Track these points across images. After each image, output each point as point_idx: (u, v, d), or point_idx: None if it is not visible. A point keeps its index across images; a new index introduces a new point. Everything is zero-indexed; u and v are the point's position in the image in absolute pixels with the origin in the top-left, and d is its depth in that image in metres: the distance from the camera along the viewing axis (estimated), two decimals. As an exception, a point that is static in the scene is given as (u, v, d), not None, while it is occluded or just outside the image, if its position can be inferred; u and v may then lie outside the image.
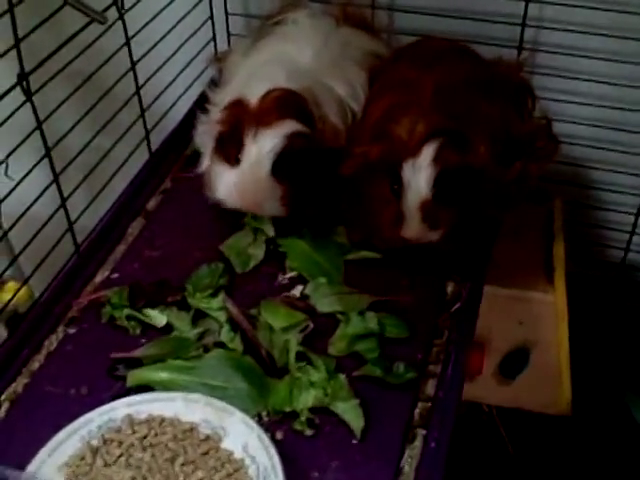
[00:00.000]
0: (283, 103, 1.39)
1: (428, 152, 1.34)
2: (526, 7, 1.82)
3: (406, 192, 1.36)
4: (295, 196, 1.43)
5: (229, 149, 1.42)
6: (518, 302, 1.77)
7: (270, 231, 1.51)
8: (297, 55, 1.54)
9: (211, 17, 2.00)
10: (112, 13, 1.59)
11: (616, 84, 1.89)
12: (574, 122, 1.95)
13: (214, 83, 1.76)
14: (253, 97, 1.40)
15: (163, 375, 1.26)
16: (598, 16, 1.82)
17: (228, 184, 1.42)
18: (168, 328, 1.36)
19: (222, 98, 1.54)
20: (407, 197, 1.36)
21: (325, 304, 1.40)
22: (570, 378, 1.82)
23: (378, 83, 1.57)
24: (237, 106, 1.43)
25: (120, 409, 1.19)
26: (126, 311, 1.37)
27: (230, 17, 2.03)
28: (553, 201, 1.97)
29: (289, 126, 1.38)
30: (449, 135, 1.35)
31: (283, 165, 1.39)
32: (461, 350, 1.36)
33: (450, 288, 1.49)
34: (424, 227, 1.37)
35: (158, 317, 1.37)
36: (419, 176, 1.34)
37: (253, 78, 1.49)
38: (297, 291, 1.45)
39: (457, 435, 1.23)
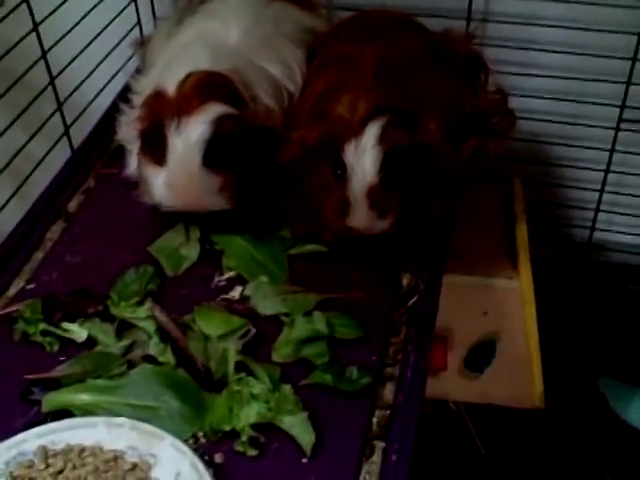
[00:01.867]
0: (204, 86, 1.26)
1: (372, 131, 1.21)
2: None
3: (350, 177, 1.23)
4: (237, 185, 1.29)
5: (154, 148, 1.28)
6: (481, 291, 1.66)
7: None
8: (223, 34, 1.40)
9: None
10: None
11: (574, 53, 1.78)
12: (530, 96, 1.85)
13: (139, 71, 1.60)
14: (171, 85, 1.26)
15: (84, 397, 1.11)
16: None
17: (160, 185, 1.28)
18: (90, 342, 1.21)
19: (144, 86, 1.40)
20: (351, 183, 1.23)
21: (267, 306, 1.27)
22: (541, 368, 1.71)
23: (316, 60, 1.44)
24: (155, 98, 1.28)
25: (31, 440, 1.04)
26: (41, 326, 1.22)
27: (155, -1, 1.87)
28: (512, 181, 1.86)
29: (214, 110, 1.24)
30: (395, 112, 1.22)
31: (215, 153, 1.26)
32: (421, 348, 1.24)
33: (405, 280, 1.36)
34: (372, 215, 1.24)
35: (78, 331, 1.22)
36: (364, 159, 1.21)
37: (172, 63, 1.34)
38: (236, 292, 1.31)
39: (422, 438, 1.13)
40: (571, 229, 2.05)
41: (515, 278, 1.67)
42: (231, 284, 1.32)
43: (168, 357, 1.16)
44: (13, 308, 1.25)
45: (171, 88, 1.26)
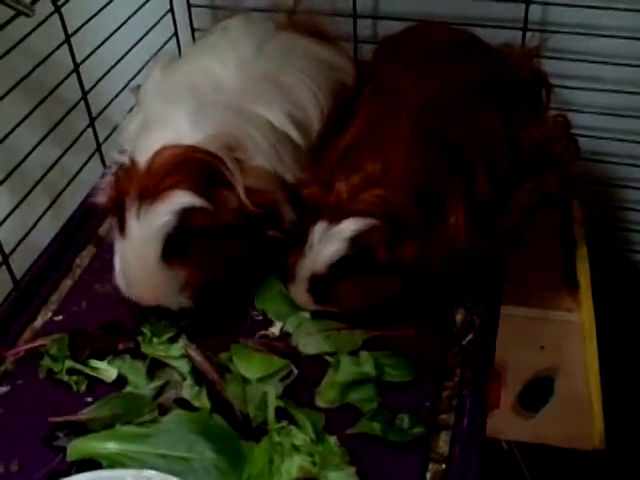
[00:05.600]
0: (176, 166, 1.09)
1: (346, 227, 1.10)
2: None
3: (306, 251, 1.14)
4: (201, 283, 1.14)
5: (119, 220, 1.13)
6: (538, 323, 1.55)
7: None
8: (219, 73, 1.24)
9: (171, 9, 1.75)
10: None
11: (635, 65, 1.65)
12: (587, 111, 1.72)
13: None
14: (143, 156, 1.11)
15: (111, 446, 1.02)
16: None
17: (117, 265, 1.15)
18: (120, 382, 1.13)
19: (129, 135, 1.26)
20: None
21: (310, 344, 1.17)
22: (602, 407, 1.59)
23: (370, 86, 1.32)
24: (124, 171, 1.13)
25: (53, 496, 0.95)
26: (68, 363, 1.14)
27: (193, 9, 1.78)
28: (570, 202, 1.73)
29: (181, 199, 1.08)
30: (391, 220, 1.10)
31: (177, 248, 1.10)
32: (478, 393, 1.14)
33: (459, 316, 1.26)
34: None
35: (107, 369, 1.14)
36: (320, 248, 1.12)
37: (151, 125, 1.18)
38: (276, 329, 1.21)
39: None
40: (632, 254, 1.91)
41: (575, 310, 1.55)
42: (270, 319, 1.23)
43: (203, 401, 1.07)
44: (39, 343, 1.17)
45: (142, 160, 1.10)
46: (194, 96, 1.20)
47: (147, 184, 1.08)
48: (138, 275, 1.12)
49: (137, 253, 1.10)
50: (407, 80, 1.23)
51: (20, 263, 1.38)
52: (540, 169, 1.23)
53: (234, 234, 1.14)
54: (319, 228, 1.11)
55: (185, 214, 1.08)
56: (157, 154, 1.10)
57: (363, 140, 1.18)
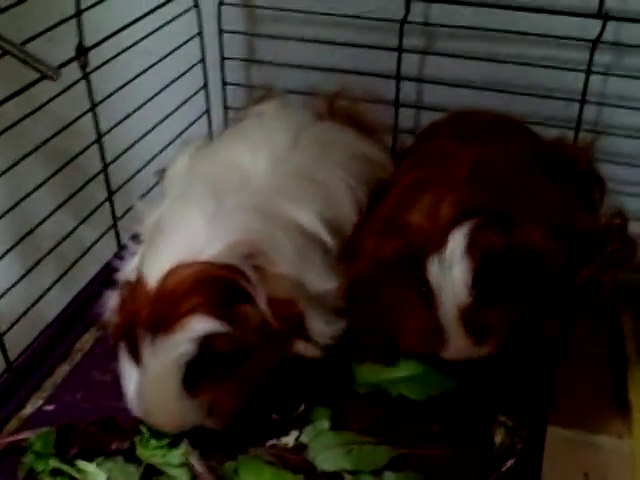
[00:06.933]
0: (191, 288, 0.98)
1: (458, 239, 1.00)
2: (587, 80, 1.48)
3: (438, 298, 1.01)
4: (233, 404, 1.03)
5: (130, 342, 1.03)
6: (583, 448, 1.37)
7: None
8: (249, 166, 1.15)
9: (205, 85, 1.68)
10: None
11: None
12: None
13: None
14: (153, 274, 1.00)
15: None
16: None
17: (133, 393, 1.04)
18: None
19: (146, 230, 1.18)
20: (440, 304, 1.01)
21: (328, 460, 1.03)
22: None
23: (405, 161, 1.25)
24: (133, 290, 1.03)
25: None
26: (52, 463, 1.01)
27: (228, 87, 1.71)
28: (620, 315, 1.59)
29: (200, 326, 0.97)
30: (485, 213, 1.01)
31: (197, 375, 1.00)
32: (519, 532, 0.97)
33: (499, 437, 1.12)
34: (469, 343, 1.02)
35: (94, 473, 1.01)
36: (451, 274, 1.00)
37: (164, 231, 1.08)
38: (290, 438, 1.07)
39: None
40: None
41: (625, 437, 1.38)
42: (284, 424, 1.09)
43: (200, 523, 0.93)
44: (23, 436, 1.05)
45: (152, 279, 1.00)
46: (215, 195, 1.10)
47: (160, 310, 0.97)
48: (159, 405, 1.01)
49: (156, 384, 0.99)
50: (454, 145, 1.14)
51: (23, 339, 1.26)
52: (597, 264, 1.11)
53: (259, 352, 1.02)
54: (433, 263, 1.01)
55: (205, 341, 0.97)
56: (170, 273, 0.99)
57: (409, 196, 1.09)
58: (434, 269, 1.01)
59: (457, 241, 1.00)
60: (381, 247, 1.06)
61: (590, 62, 1.44)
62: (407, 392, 1.10)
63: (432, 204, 1.03)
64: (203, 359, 0.97)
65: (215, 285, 0.99)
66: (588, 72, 1.45)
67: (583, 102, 1.50)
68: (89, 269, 1.43)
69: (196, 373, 0.98)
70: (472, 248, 1.00)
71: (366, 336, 1.17)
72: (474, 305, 1.01)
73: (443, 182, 1.06)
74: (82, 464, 1.00)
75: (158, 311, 0.97)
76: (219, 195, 1.10)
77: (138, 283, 1.01)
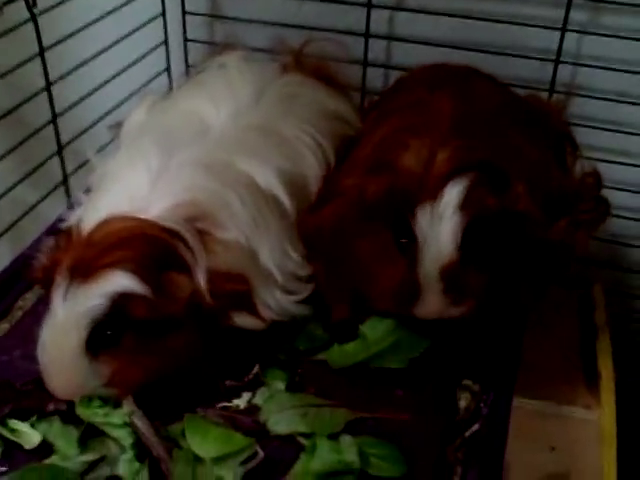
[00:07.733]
0: (119, 242, 0.93)
1: (454, 193, 0.95)
2: (562, 38, 1.43)
3: (421, 251, 0.96)
4: (138, 379, 0.95)
5: (46, 290, 0.97)
6: (549, 420, 1.34)
7: None
8: (209, 118, 1.10)
9: (165, 41, 1.61)
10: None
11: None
12: (615, 187, 1.55)
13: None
14: (88, 224, 0.95)
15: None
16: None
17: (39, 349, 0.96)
18: (45, 449, 0.93)
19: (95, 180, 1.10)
20: (423, 259, 0.96)
21: (282, 422, 0.98)
22: (618, 523, 1.37)
23: (374, 113, 1.20)
24: (65, 239, 0.98)
25: None
26: (-18, 422, 0.93)
27: (190, 44, 1.64)
28: (591, 287, 1.55)
29: (117, 281, 0.91)
30: (481, 169, 0.96)
31: (105, 338, 0.93)
32: (481, 498, 0.92)
33: (463, 401, 1.07)
34: (446, 301, 0.98)
35: (28, 433, 0.94)
36: (440, 228, 0.96)
37: (107, 183, 1.02)
38: (242, 400, 1.01)
39: None
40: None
41: (593, 408, 1.35)
42: (238, 387, 1.03)
43: (142, 482, 0.87)
44: (-49, 395, 0.97)
45: (84, 229, 0.95)
46: (165, 148, 1.03)
47: (82, 258, 0.91)
48: (55, 364, 0.93)
49: (58, 339, 0.92)
50: (428, 93, 1.09)
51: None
52: (571, 220, 1.06)
53: (184, 327, 0.95)
54: (424, 212, 0.96)
55: (120, 300, 0.91)
56: (102, 224, 0.94)
57: (395, 139, 1.03)
58: (423, 220, 0.96)
59: (452, 195, 0.96)
60: (365, 187, 1.00)
61: (565, 20, 1.40)
62: (388, 363, 1.05)
63: (426, 151, 0.98)
64: (114, 321, 0.91)
65: (147, 244, 0.93)
66: (563, 30, 1.41)
67: (558, 62, 1.45)
68: (39, 230, 1.36)
69: (103, 335, 0.92)
70: (466, 204, 0.96)
71: (334, 292, 1.11)
72: (457, 263, 0.96)
73: (430, 131, 1.01)
74: (15, 423, 0.94)
75: (79, 259, 0.91)
76: (170, 148, 1.03)
77: (72, 231, 0.96)
